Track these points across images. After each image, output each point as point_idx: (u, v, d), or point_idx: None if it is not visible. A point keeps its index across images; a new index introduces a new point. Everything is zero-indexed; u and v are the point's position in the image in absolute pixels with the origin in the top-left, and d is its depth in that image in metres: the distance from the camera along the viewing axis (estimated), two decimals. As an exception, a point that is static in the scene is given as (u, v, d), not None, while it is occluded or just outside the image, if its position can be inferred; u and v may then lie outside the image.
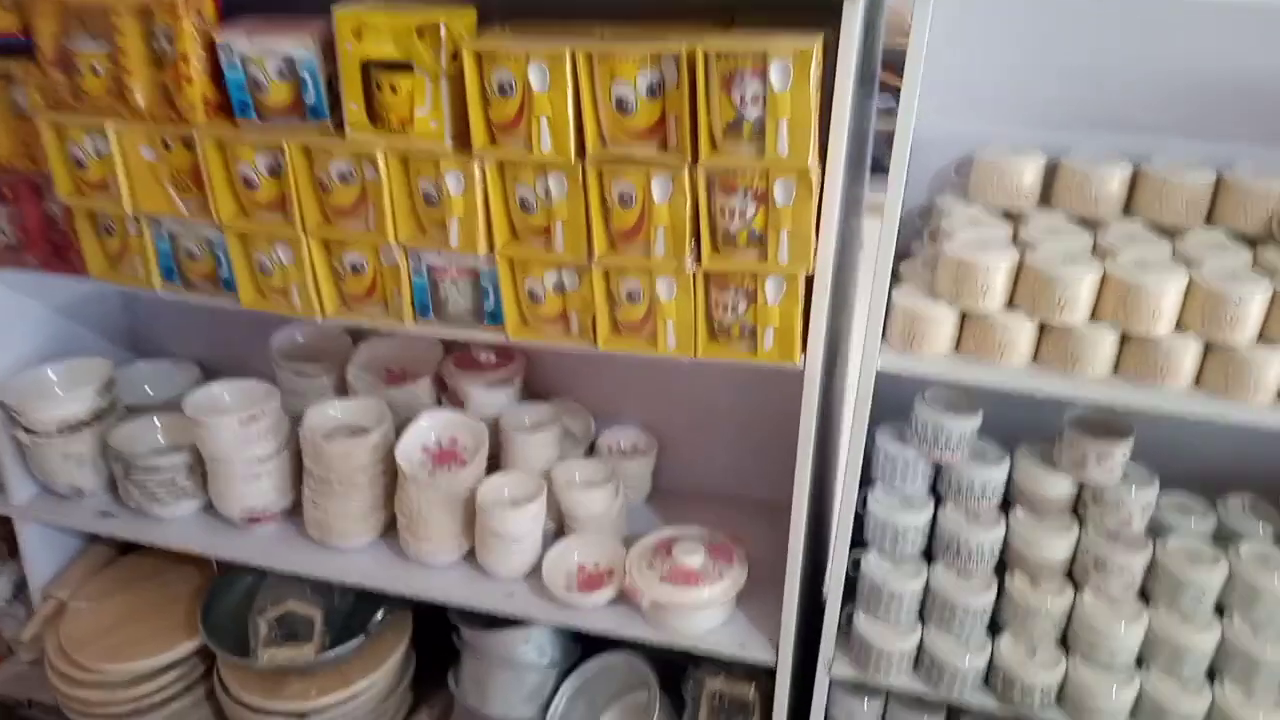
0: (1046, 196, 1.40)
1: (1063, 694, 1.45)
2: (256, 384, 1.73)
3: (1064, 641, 1.46)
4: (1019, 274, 1.28)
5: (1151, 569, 1.41)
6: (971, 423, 1.43)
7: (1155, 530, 1.44)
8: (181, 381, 1.97)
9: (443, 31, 1.26)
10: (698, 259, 1.28)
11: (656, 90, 1.22)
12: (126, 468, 1.71)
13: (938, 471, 1.50)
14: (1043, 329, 1.29)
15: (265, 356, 1.86)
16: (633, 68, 1.21)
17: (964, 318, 1.31)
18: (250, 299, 1.53)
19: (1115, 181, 1.34)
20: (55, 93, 1.45)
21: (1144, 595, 1.43)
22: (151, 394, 1.97)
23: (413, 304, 1.46)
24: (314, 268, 1.46)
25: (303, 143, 1.38)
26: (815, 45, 1.13)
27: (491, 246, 1.36)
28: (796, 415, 1.35)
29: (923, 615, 1.51)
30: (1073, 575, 1.46)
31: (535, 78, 1.23)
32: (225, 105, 1.40)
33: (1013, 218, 1.39)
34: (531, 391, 1.85)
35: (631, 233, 1.30)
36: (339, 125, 1.38)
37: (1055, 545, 1.43)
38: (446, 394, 1.79)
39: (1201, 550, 1.40)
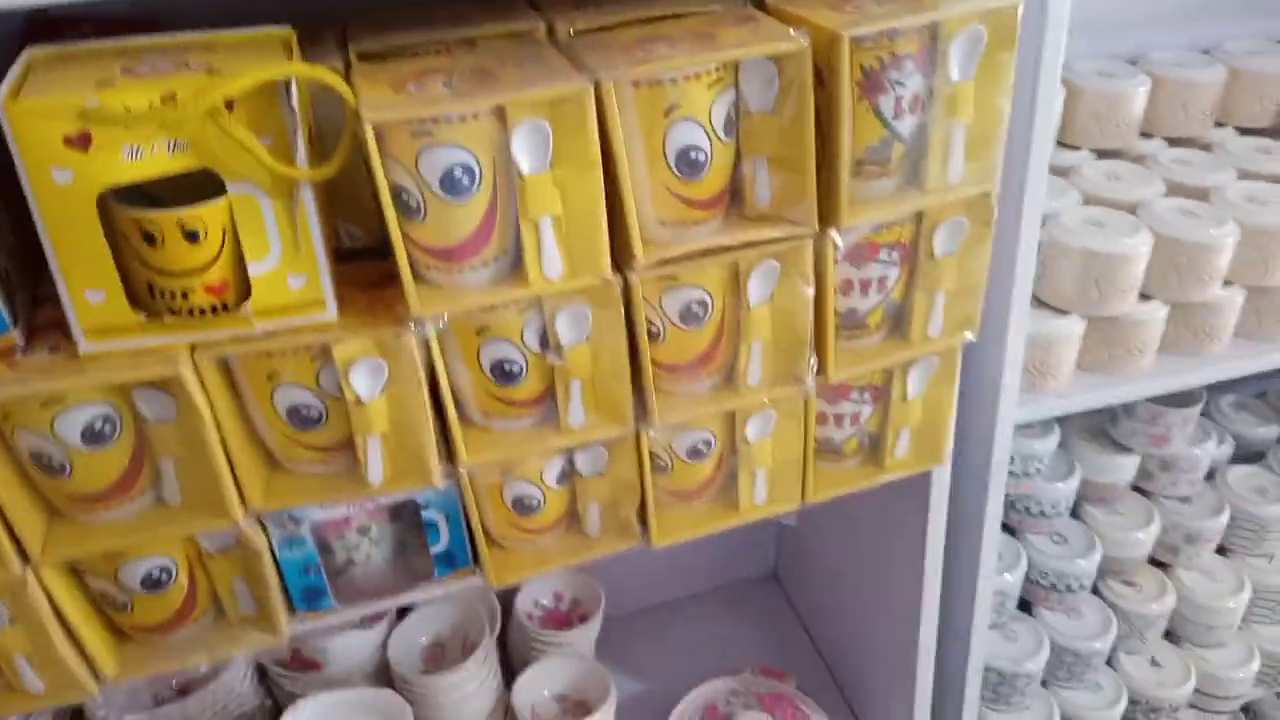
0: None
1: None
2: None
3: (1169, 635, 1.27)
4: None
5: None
6: (1055, 439, 1.13)
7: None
8: None
9: (292, 92, 0.58)
10: (820, 370, 0.78)
11: (734, 124, 0.68)
12: None
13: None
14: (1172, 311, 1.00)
15: None
16: (703, 93, 0.65)
17: (1089, 324, 0.98)
18: (-83, 721, 0.72)
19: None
20: None
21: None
22: None
23: (287, 595, 0.77)
24: (60, 616, 0.70)
25: (-21, 399, 0.61)
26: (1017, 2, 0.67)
27: (452, 458, 0.74)
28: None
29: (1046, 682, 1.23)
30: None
31: (524, 150, 0.62)
32: None
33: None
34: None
35: (699, 362, 0.76)
36: (33, 335, 0.64)
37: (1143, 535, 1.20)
38: (277, 663, 1.08)
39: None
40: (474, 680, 1.07)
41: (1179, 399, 1.13)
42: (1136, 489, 1.23)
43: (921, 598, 1.03)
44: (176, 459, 0.68)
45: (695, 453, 0.82)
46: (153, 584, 0.72)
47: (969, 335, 0.82)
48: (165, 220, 0.59)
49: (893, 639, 1.12)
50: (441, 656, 1.10)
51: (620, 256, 0.68)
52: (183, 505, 0.70)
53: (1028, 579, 1.19)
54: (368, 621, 1.06)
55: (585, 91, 0.61)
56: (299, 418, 0.69)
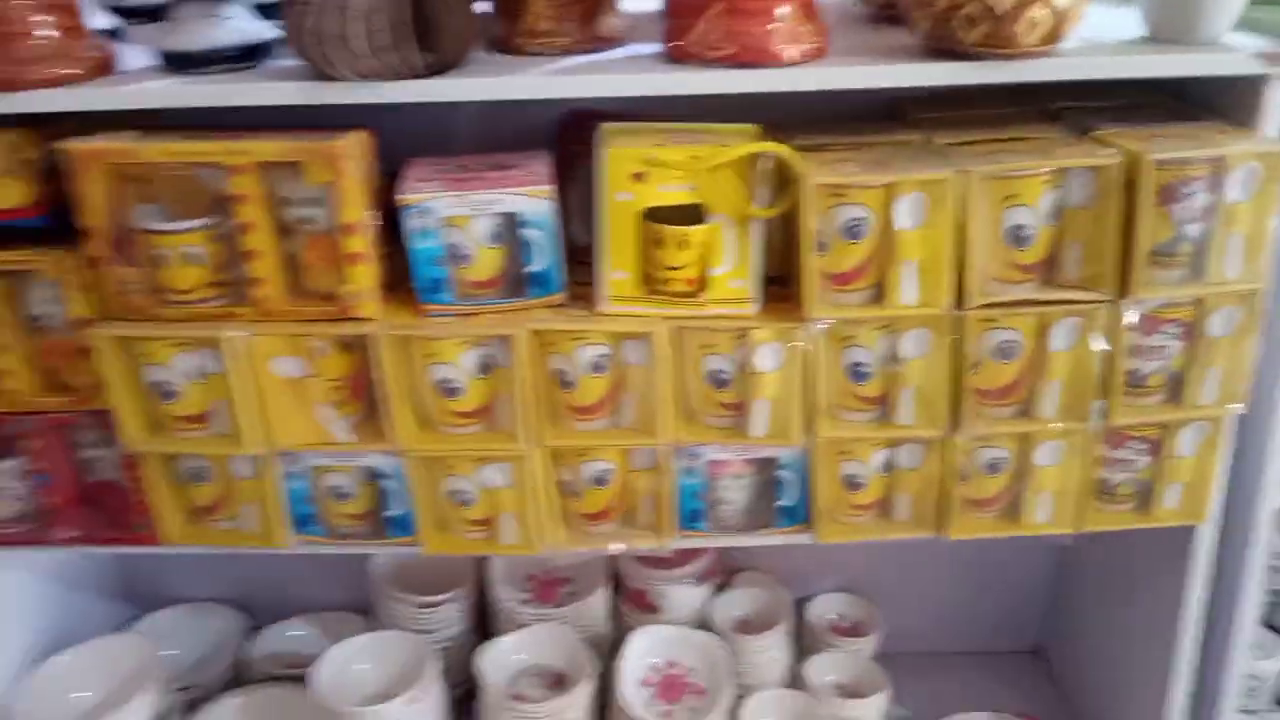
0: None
1: None
2: (391, 638, 1.28)
3: None
4: None
5: None
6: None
7: None
8: (216, 632, 1.46)
9: (763, 160, 0.93)
10: (1103, 413, 1.01)
11: (1057, 213, 0.95)
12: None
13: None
14: None
15: (328, 583, 1.45)
16: (1037, 187, 0.93)
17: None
18: (437, 542, 1.10)
19: None
20: (119, 294, 0.98)
21: None
22: (178, 653, 1.43)
23: (678, 513, 1.09)
24: (541, 488, 1.06)
25: (541, 328, 0.99)
26: (1285, 145, 0.91)
27: (809, 428, 1.03)
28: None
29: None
30: None
31: (904, 213, 0.93)
32: (395, 286, 1.00)
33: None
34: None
35: (1005, 391, 1.01)
36: (576, 298, 1.01)
37: None
38: (625, 599, 1.40)
39: None
40: (774, 649, 1.33)
41: None
42: None
43: (1172, 666, 1.17)
44: (637, 393, 1.02)
45: (992, 467, 1.06)
46: (599, 481, 1.06)
47: (1237, 407, 1.01)
48: (674, 233, 0.95)
49: (1143, 710, 1.25)
50: (748, 629, 1.37)
51: (958, 298, 0.96)
52: (632, 427, 1.04)
53: (1289, 680, 1.28)
54: (700, 579, 1.36)
55: (951, 177, 0.91)
56: (715, 379, 1.01)
